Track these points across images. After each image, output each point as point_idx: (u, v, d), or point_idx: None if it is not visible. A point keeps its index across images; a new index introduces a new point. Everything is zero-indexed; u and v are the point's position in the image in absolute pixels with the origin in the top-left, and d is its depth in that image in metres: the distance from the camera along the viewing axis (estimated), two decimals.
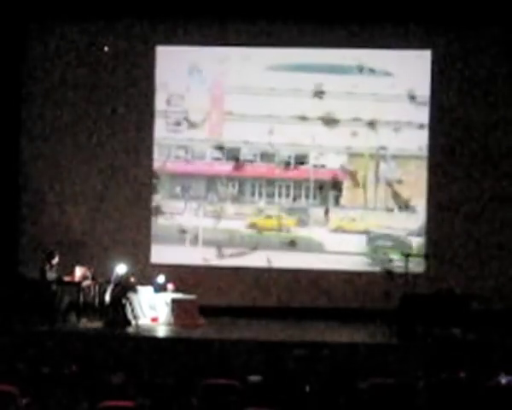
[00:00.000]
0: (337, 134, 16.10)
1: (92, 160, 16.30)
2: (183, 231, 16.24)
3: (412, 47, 15.96)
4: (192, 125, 16.27)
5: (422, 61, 15.96)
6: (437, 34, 15.95)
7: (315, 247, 16.12)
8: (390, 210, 16.07)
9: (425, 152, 16.01)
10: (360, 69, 16.05)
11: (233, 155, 16.26)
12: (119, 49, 16.27)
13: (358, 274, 15.95)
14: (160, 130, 16.31)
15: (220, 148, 16.26)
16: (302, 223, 16.17)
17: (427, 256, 15.79)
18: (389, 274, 14.57)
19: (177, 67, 16.24)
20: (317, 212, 16.17)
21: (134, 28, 16.22)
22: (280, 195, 16.26)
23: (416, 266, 15.48)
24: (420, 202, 16.03)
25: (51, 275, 14.32)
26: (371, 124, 16.04)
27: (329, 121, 16.08)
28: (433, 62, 15.97)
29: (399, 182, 16.06)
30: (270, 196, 16.27)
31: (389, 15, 15.53)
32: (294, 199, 16.22)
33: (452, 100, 16.03)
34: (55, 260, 14.43)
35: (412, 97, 16.02)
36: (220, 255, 16.16)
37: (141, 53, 16.26)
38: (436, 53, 15.99)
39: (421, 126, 15.99)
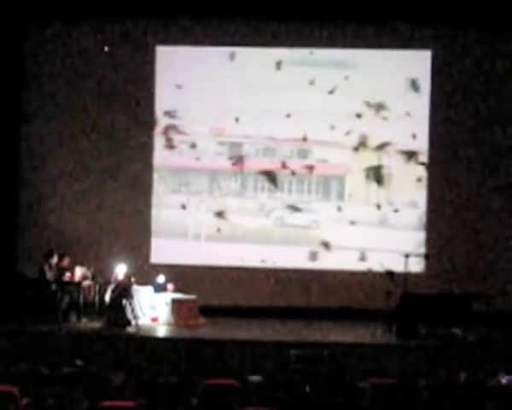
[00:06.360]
0: (339, 129, 16.10)
1: (92, 158, 16.28)
2: (185, 226, 16.24)
3: (412, 47, 16.00)
4: (193, 120, 16.26)
5: (422, 60, 16.01)
6: (437, 34, 15.99)
7: (316, 242, 16.13)
8: (392, 205, 16.09)
9: (426, 149, 16.08)
10: (361, 67, 16.07)
11: (235, 151, 16.28)
12: (119, 49, 16.28)
13: (358, 274, 15.95)
14: (161, 126, 16.30)
15: (222, 143, 16.27)
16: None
17: (427, 256, 15.80)
18: (389, 274, 14.55)
19: (177, 65, 16.24)
20: (320, 207, 16.20)
21: (134, 28, 16.23)
22: (282, 190, 16.27)
23: (416, 266, 15.50)
24: (420, 198, 16.05)
25: (51, 275, 14.32)
26: (372, 119, 16.07)
27: (332, 117, 16.09)
28: (433, 62, 16.01)
29: (401, 176, 16.09)
30: (273, 190, 16.28)
31: (390, 15, 15.55)
32: (297, 194, 16.24)
33: (452, 98, 16.05)
34: (55, 260, 14.44)
35: (412, 96, 16.06)
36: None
37: (141, 53, 16.25)
38: (436, 53, 16.03)
39: (421, 123, 16.01)
